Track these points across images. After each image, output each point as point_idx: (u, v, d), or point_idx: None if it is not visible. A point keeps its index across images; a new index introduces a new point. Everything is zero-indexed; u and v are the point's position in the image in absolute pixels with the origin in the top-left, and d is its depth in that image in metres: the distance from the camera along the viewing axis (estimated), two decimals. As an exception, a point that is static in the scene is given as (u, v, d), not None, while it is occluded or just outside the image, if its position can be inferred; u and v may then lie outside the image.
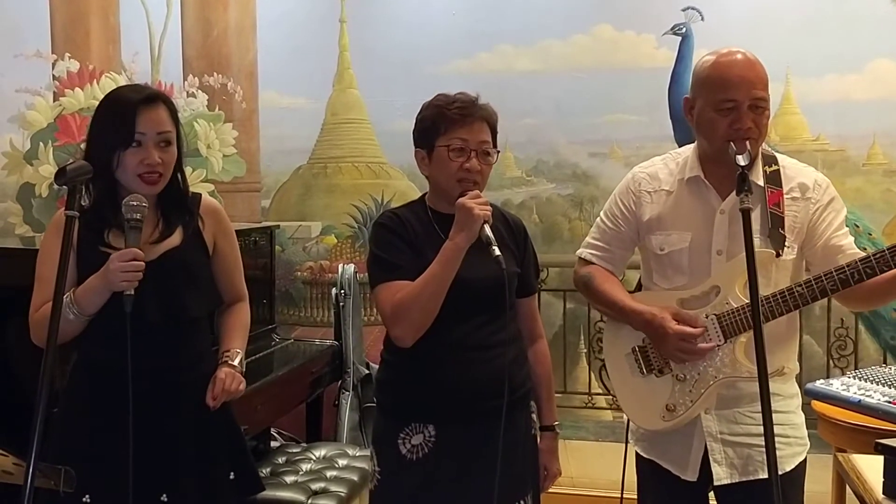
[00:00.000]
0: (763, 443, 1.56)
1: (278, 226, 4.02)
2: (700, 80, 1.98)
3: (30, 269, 1.96)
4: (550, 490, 2.25)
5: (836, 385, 2.92)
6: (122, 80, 3.35)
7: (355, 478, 3.10)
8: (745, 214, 1.66)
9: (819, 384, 2.98)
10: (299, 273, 4.26)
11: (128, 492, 1.80)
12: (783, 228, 1.96)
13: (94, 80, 3.36)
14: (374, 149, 4.18)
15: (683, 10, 3.79)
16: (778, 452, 1.58)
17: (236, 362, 2.04)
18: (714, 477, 2.01)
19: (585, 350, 4.02)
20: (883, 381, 2.86)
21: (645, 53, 3.87)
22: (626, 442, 2.21)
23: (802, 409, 2.11)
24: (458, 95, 2.03)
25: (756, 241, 1.85)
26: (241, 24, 4.24)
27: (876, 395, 2.78)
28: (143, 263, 1.81)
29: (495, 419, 1.91)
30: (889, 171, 3.73)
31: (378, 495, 2.09)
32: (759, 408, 1.57)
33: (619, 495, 2.29)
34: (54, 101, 3.37)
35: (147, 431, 1.87)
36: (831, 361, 3.76)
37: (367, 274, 2.11)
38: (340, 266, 3.94)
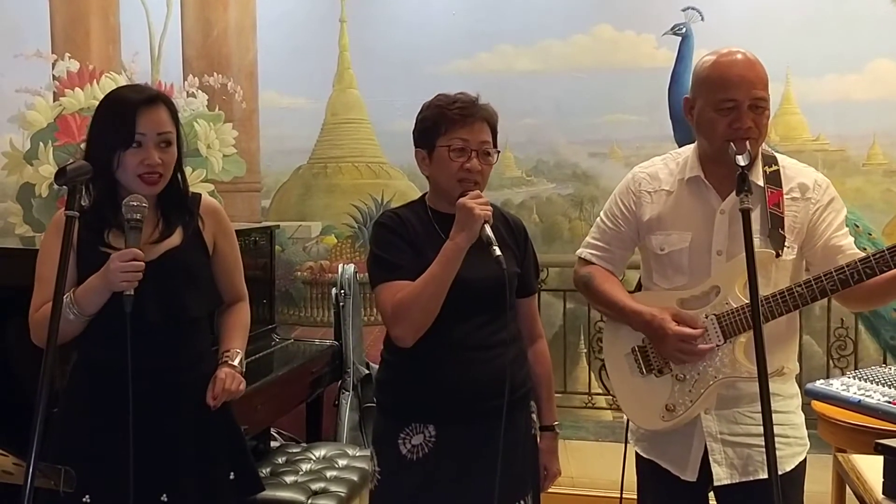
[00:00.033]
0: (763, 443, 1.56)
1: (278, 226, 4.02)
2: (700, 79, 1.99)
3: (30, 269, 1.97)
4: (550, 490, 2.25)
5: (836, 385, 2.92)
6: (122, 80, 3.35)
7: (355, 478, 3.10)
8: (745, 214, 1.66)
9: (819, 384, 2.98)
10: (299, 273, 4.25)
11: (128, 492, 1.80)
12: (783, 229, 1.96)
13: (94, 80, 3.36)
14: (374, 149, 4.18)
15: (683, 10, 3.79)
16: (778, 452, 1.58)
17: (236, 362, 2.04)
18: (714, 477, 2.01)
19: (585, 350, 4.02)
20: (883, 382, 2.86)
21: (645, 53, 3.87)
22: (626, 442, 2.21)
23: (802, 409, 2.11)
24: (459, 95, 2.03)
25: (756, 241, 1.85)
26: (241, 24, 4.24)
27: (876, 396, 2.78)
28: (143, 264, 1.81)
29: (495, 419, 1.91)
30: (889, 171, 3.73)
31: (378, 495, 2.09)
32: (759, 408, 1.57)
33: (619, 495, 2.29)
34: (54, 101, 3.37)
35: (147, 431, 1.87)
36: (831, 361, 3.76)
37: (367, 274, 2.12)
38: (340, 266, 3.94)
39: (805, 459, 2.07)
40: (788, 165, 2.05)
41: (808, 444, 2.09)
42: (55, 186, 2.88)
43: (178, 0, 4.25)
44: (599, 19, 3.91)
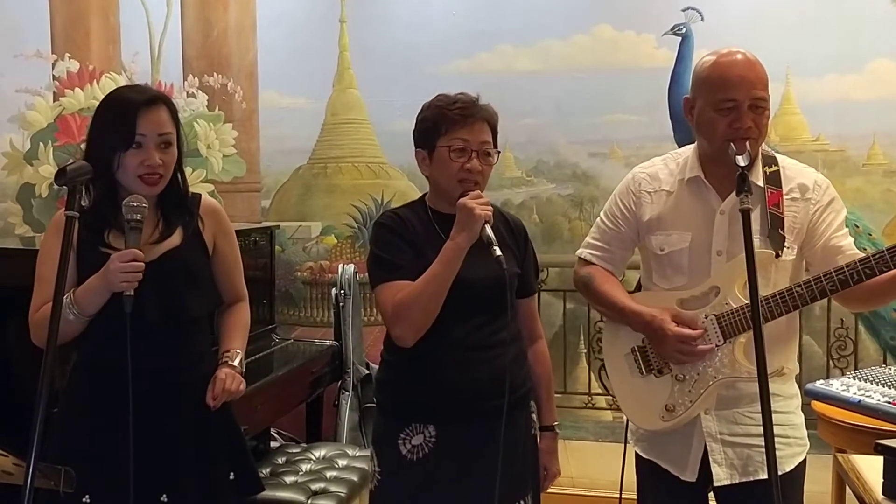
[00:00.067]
0: (763, 443, 1.56)
1: (278, 226, 4.02)
2: (700, 79, 1.99)
3: (30, 270, 1.96)
4: (550, 490, 2.25)
5: (836, 385, 2.92)
6: (122, 81, 3.35)
7: (355, 478, 3.10)
8: (745, 215, 1.66)
9: (819, 384, 2.98)
10: (299, 273, 4.26)
11: (128, 492, 1.81)
12: (783, 229, 1.96)
13: (94, 81, 3.36)
14: (374, 149, 4.18)
15: (683, 11, 3.79)
16: (778, 453, 1.58)
17: (236, 362, 2.04)
18: (714, 478, 2.01)
19: (585, 350, 4.02)
20: (883, 382, 2.86)
21: (645, 53, 3.87)
22: (625, 442, 2.21)
23: (802, 410, 2.11)
24: (459, 96, 2.03)
25: (756, 241, 1.85)
26: (241, 24, 4.24)
27: (876, 396, 2.78)
28: (143, 264, 1.81)
29: (496, 419, 1.91)
30: (889, 172, 3.73)
31: (378, 495, 2.09)
32: (759, 408, 1.57)
33: (618, 496, 2.29)
34: (54, 101, 3.38)
35: (147, 431, 1.87)
36: (831, 362, 3.76)
37: (367, 274, 2.12)
38: (340, 266, 3.94)
39: (805, 460, 2.07)
40: (788, 166, 2.05)
41: (808, 444, 2.09)
42: (55, 187, 2.88)
43: (178, 0, 4.25)
44: (599, 19, 3.91)
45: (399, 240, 2.02)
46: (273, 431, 3.71)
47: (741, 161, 1.78)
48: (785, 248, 1.96)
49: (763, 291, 1.79)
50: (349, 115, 4.20)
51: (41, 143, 3.23)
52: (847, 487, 2.33)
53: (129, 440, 1.79)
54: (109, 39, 4.29)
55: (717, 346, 1.95)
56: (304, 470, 3.16)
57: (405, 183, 4.11)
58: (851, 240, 2.01)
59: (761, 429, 1.56)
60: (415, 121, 2.08)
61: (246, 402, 2.59)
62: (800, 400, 2.11)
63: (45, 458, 1.62)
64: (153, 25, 4.28)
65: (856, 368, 3.60)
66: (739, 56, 1.94)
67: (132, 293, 1.79)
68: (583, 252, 2.20)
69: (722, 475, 2.00)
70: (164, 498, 1.95)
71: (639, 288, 2.21)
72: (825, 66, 3.70)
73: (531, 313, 2.23)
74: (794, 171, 2.04)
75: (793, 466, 2.02)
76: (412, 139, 2.08)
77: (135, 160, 1.89)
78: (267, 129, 4.25)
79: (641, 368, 2.07)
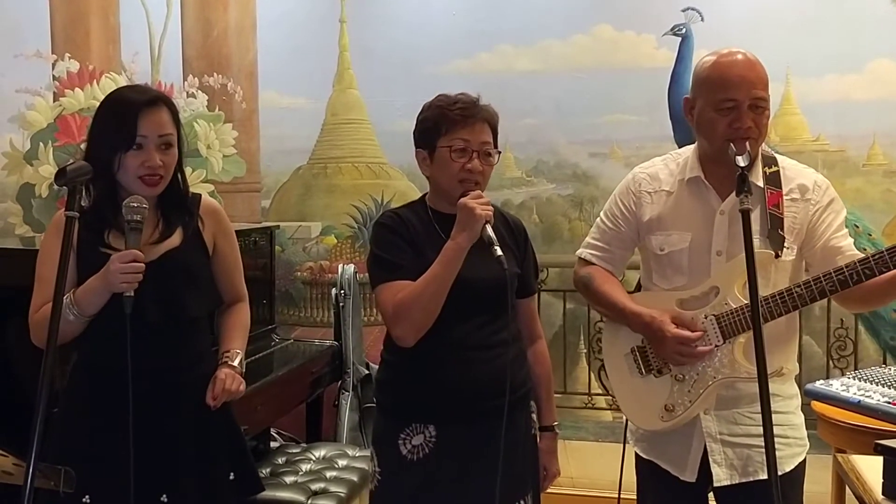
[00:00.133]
0: (762, 443, 1.56)
1: (278, 226, 4.02)
2: (700, 79, 1.99)
3: (30, 270, 1.96)
4: (550, 490, 2.25)
5: (836, 386, 2.92)
6: (122, 81, 3.35)
7: (355, 478, 3.10)
8: (745, 215, 1.66)
9: (819, 385, 2.98)
10: (299, 273, 4.26)
11: (128, 492, 1.80)
12: (782, 229, 1.96)
13: (94, 81, 3.36)
14: (374, 149, 4.19)
15: (683, 11, 3.79)
16: (777, 453, 1.58)
17: (236, 363, 2.03)
18: (714, 478, 2.01)
19: (585, 350, 4.02)
20: (883, 382, 2.86)
21: (645, 53, 3.87)
22: (624, 442, 2.21)
23: (802, 410, 2.11)
24: (460, 96, 2.03)
25: (755, 241, 1.85)
26: (241, 24, 4.24)
27: (876, 396, 2.78)
28: (143, 265, 1.81)
29: (496, 419, 1.91)
30: (889, 172, 3.73)
31: (378, 496, 2.09)
32: (759, 408, 1.57)
33: (617, 496, 2.29)
34: (54, 101, 3.37)
35: (147, 432, 1.87)
36: (831, 362, 3.76)
37: (367, 274, 2.12)
38: (340, 266, 3.94)
39: (805, 460, 2.07)
40: (788, 166, 2.05)
41: (808, 444, 2.09)
42: (55, 187, 2.88)
43: (178, 0, 4.26)
44: (599, 19, 3.91)
45: (399, 240, 2.02)
46: (273, 431, 3.71)
47: (741, 161, 1.78)
48: (784, 249, 1.96)
49: (763, 292, 1.79)
50: (349, 116, 4.20)
51: (41, 144, 3.23)
52: (847, 488, 2.33)
53: (129, 440, 1.79)
54: (109, 39, 4.29)
55: (716, 346, 1.96)
56: (304, 470, 3.16)
57: (405, 183, 4.11)
58: (851, 240, 2.01)
59: (761, 429, 1.56)
60: (415, 121, 2.07)
61: (246, 402, 2.59)
62: (799, 400, 2.11)
63: (45, 459, 1.62)
64: (153, 25, 4.28)
65: (856, 369, 3.60)
66: (739, 56, 1.94)
67: (132, 294, 1.79)
68: (583, 252, 2.20)
69: (722, 475, 2.00)
70: (164, 498, 1.95)
71: (639, 288, 2.21)
72: (825, 66, 3.70)
73: (531, 313, 2.23)
74: (793, 172, 2.04)
75: (793, 467, 2.02)
76: (412, 139, 2.08)
77: (135, 161, 1.89)
78: (267, 130, 4.25)
79: (641, 368, 2.07)
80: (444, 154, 1.99)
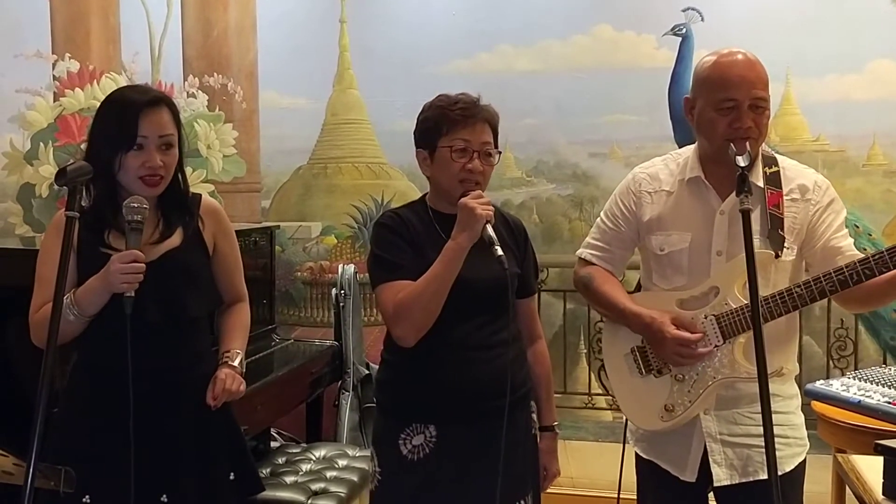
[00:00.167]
0: (762, 443, 1.56)
1: (278, 226, 4.02)
2: (700, 79, 1.99)
3: (30, 270, 1.96)
4: (550, 490, 2.25)
5: (836, 386, 2.92)
6: (123, 81, 3.36)
7: (355, 478, 3.10)
8: (745, 215, 1.66)
9: (819, 385, 2.98)
10: (299, 273, 4.26)
11: (128, 492, 1.81)
12: (782, 230, 1.96)
13: (95, 81, 3.36)
14: (374, 149, 4.19)
15: (683, 11, 3.79)
16: (777, 453, 1.58)
17: (236, 363, 2.04)
18: (714, 478, 2.01)
19: (585, 350, 4.02)
20: (883, 382, 2.86)
21: (645, 54, 3.87)
22: (624, 442, 2.21)
23: (802, 410, 2.11)
24: (460, 96, 2.03)
25: (755, 242, 1.85)
26: (241, 24, 4.24)
27: (876, 396, 2.78)
28: (143, 265, 1.81)
29: (497, 419, 1.92)
30: (889, 172, 3.73)
31: (379, 496, 2.09)
32: (759, 408, 1.57)
33: (617, 496, 2.29)
34: (54, 101, 3.38)
35: (147, 432, 1.87)
36: (831, 362, 3.76)
37: (367, 274, 2.12)
38: (340, 266, 3.94)
39: (805, 460, 2.07)
40: (788, 167, 2.05)
41: (808, 444, 2.09)
42: (55, 187, 2.88)
43: (178, 0, 4.25)
44: (599, 19, 3.91)
45: (400, 240, 2.02)
46: (273, 431, 3.71)
47: (741, 161, 1.78)
48: (785, 249, 1.96)
49: (763, 292, 1.79)
50: (349, 116, 4.20)
51: (41, 144, 3.24)
52: (847, 488, 2.33)
53: (130, 440, 1.80)
54: (110, 39, 4.30)
55: (716, 346, 1.96)
56: (304, 470, 3.16)
57: (405, 183, 4.11)
58: (851, 241, 2.01)
59: (761, 429, 1.56)
60: (415, 121, 2.08)
61: (246, 402, 2.59)
62: (800, 400, 2.11)
63: (45, 459, 1.62)
64: (153, 25, 4.28)
65: (856, 369, 3.60)
66: (740, 56, 1.94)
67: (132, 294, 1.79)
68: (583, 252, 2.20)
69: (722, 475, 2.00)
70: (164, 498, 1.95)
71: (639, 288, 2.21)
72: (825, 67, 3.70)
73: (531, 313, 2.23)
74: (794, 172, 2.04)
75: (793, 467, 2.02)
76: (412, 139, 2.08)
77: (136, 161, 1.89)
78: (267, 130, 4.25)
79: (641, 368, 2.07)
80: (445, 154, 1.99)
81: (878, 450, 1.99)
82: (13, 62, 3.58)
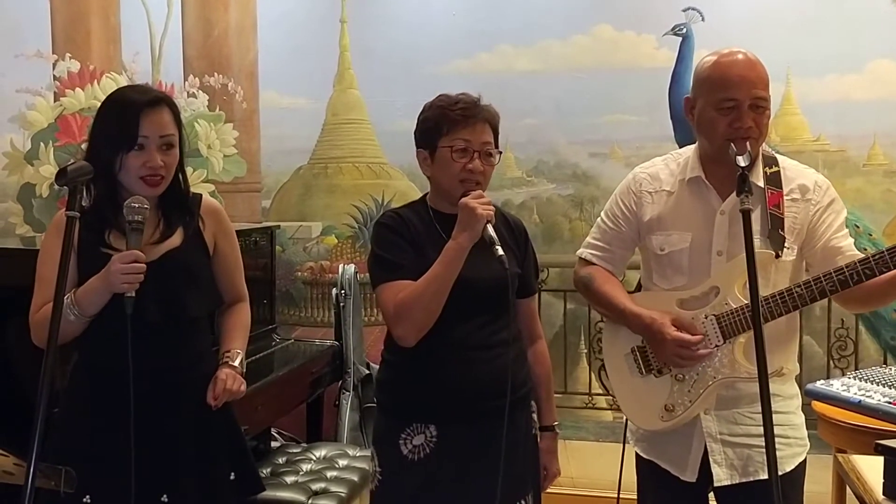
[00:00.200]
0: (763, 443, 1.56)
1: (279, 226, 4.02)
2: (701, 79, 1.99)
3: (30, 270, 1.96)
4: (550, 490, 2.25)
5: (837, 385, 2.92)
6: (123, 81, 3.36)
7: (355, 478, 3.10)
8: (746, 215, 1.66)
9: (819, 385, 2.98)
10: (300, 273, 4.26)
11: (128, 492, 1.81)
12: (783, 229, 1.96)
13: (95, 81, 3.37)
14: (374, 149, 4.19)
15: (684, 11, 3.79)
16: (778, 453, 1.58)
17: (237, 363, 2.04)
18: (714, 478, 2.01)
19: (585, 350, 4.02)
20: (883, 382, 2.86)
21: (645, 53, 3.87)
22: (624, 442, 2.21)
23: (802, 410, 2.11)
24: (461, 96, 2.03)
25: (756, 242, 1.85)
26: (242, 24, 4.24)
27: (876, 396, 2.78)
28: (144, 265, 1.81)
29: (497, 419, 1.92)
30: (889, 172, 3.73)
31: (379, 496, 2.09)
32: (759, 408, 1.57)
33: (616, 495, 2.29)
34: (55, 101, 3.38)
35: (147, 432, 1.87)
36: (831, 362, 3.76)
37: (367, 274, 2.12)
38: (341, 266, 3.94)
39: (805, 460, 2.07)
40: (789, 167, 2.05)
41: (808, 444, 2.09)
42: (56, 187, 2.89)
43: (178, 0, 4.26)
44: (599, 19, 3.91)
45: (400, 239, 2.02)
46: (273, 431, 3.72)
47: (741, 161, 1.78)
48: (785, 249, 1.96)
49: (763, 292, 1.79)
50: (349, 116, 4.20)
51: (42, 143, 3.24)
52: (847, 488, 2.33)
53: (130, 440, 1.80)
54: (110, 39, 4.30)
55: (716, 346, 1.96)
56: (304, 470, 3.16)
57: (405, 183, 4.11)
58: (851, 241, 2.01)
59: (761, 429, 1.56)
60: (416, 121, 2.08)
61: (246, 402, 2.58)
62: (800, 400, 2.12)
63: (45, 459, 1.62)
64: (154, 25, 4.28)
65: (856, 368, 3.60)
66: (740, 56, 1.94)
67: (133, 294, 1.79)
68: (583, 252, 2.20)
69: (722, 475, 2.00)
70: (164, 498, 1.95)
71: (639, 288, 2.21)
72: (825, 66, 3.70)
73: (531, 313, 2.23)
74: (794, 172, 2.04)
75: (793, 466, 2.02)
76: (413, 139, 2.08)
77: (137, 161, 1.89)
78: (267, 129, 4.25)
79: (641, 368, 2.07)
80: (446, 154, 1.99)
81: (879, 450, 1.99)
82: (13, 62, 3.59)
